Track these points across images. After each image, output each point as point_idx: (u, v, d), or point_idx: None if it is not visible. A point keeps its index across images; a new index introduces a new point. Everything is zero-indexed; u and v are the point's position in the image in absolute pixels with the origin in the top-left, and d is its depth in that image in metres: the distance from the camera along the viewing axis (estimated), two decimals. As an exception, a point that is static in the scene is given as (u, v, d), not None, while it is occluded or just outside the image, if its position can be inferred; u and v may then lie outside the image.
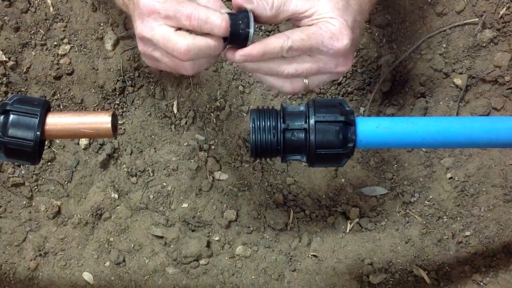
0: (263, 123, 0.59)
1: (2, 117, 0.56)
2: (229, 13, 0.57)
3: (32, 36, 0.92)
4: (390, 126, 0.60)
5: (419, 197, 0.88)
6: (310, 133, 0.58)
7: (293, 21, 0.61)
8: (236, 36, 0.56)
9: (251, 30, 0.56)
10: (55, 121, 0.57)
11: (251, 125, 0.59)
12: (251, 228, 0.89)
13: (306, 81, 0.61)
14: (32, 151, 0.56)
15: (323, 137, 0.58)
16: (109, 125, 0.57)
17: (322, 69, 0.60)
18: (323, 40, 0.57)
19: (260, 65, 0.59)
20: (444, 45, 0.91)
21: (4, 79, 0.90)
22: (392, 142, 0.60)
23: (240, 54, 0.57)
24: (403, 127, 0.60)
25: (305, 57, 0.59)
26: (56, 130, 0.57)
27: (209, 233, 0.88)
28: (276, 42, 0.57)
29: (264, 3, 0.58)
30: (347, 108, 0.60)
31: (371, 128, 0.59)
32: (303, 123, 0.58)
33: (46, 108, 0.57)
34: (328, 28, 0.58)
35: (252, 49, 0.57)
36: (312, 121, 0.58)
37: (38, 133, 0.55)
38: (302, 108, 0.60)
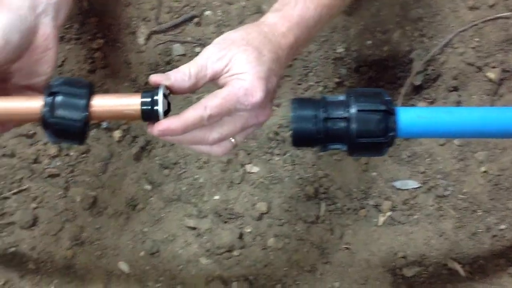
0: (304, 113, 0.59)
1: (49, 98, 0.56)
2: (143, 91, 0.57)
3: (67, 30, 0.94)
4: (430, 116, 0.60)
5: (453, 190, 0.88)
6: (351, 122, 0.58)
7: (213, 81, 0.59)
8: (147, 115, 0.56)
9: (159, 108, 0.55)
10: (100, 102, 0.58)
11: (292, 114, 0.59)
12: (283, 220, 0.89)
13: (233, 140, 0.60)
14: (79, 131, 0.57)
15: (364, 126, 0.58)
16: None
17: (245, 125, 0.59)
18: (238, 98, 0.56)
19: (183, 137, 0.57)
20: (477, 39, 0.91)
21: (40, 72, 0.91)
22: (432, 131, 0.60)
23: (158, 129, 0.55)
24: (443, 117, 0.60)
25: (225, 118, 0.57)
26: (101, 112, 0.57)
27: (241, 224, 0.89)
28: (194, 113, 0.55)
29: (182, 75, 0.57)
30: (386, 98, 0.60)
31: (411, 117, 0.59)
32: (344, 112, 0.59)
33: (91, 89, 0.58)
34: (240, 85, 0.56)
35: (170, 124, 0.55)
36: (353, 110, 0.58)
37: (85, 113, 0.56)
38: (342, 97, 0.61)
